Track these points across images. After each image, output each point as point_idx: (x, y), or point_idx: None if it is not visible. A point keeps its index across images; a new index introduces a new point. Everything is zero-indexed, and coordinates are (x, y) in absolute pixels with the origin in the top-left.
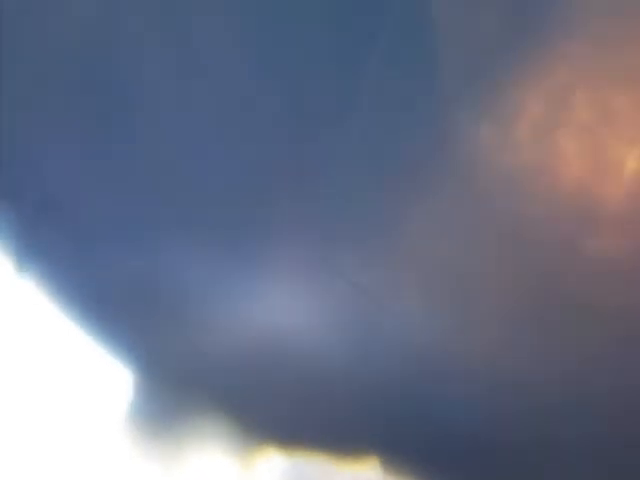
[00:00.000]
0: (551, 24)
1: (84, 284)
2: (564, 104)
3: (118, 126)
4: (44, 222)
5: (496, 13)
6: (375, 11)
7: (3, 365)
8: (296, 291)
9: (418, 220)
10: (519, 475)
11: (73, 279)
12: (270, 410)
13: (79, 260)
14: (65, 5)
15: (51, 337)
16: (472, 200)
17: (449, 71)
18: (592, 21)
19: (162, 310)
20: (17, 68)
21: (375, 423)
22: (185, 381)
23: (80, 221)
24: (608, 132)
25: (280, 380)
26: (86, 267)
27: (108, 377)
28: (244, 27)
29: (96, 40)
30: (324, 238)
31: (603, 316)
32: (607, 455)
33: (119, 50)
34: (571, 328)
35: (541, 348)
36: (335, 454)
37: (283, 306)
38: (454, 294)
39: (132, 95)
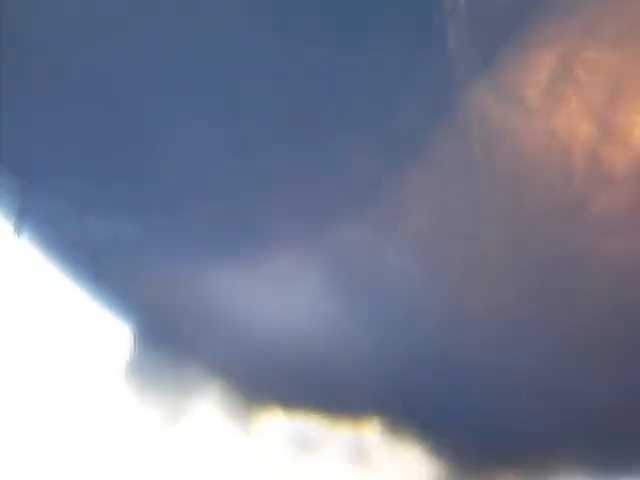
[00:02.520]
0: None
1: (82, 245)
2: (573, 68)
3: (114, 93)
4: (42, 182)
5: None
6: None
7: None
8: (296, 257)
9: (421, 186)
10: (522, 437)
11: (71, 240)
12: (270, 370)
13: (76, 217)
14: None
15: (49, 295)
16: (478, 165)
17: (454, 35)
18: None
19: (161, 264)
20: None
21: (376, 385)
22: (184, 338)
23: (78, 181)
24: (617, 96)
25: (280, 343)
26: (84, 229)
27: (106, 333)
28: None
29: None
30: (322, 208)
31: (611, 276)
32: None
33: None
34: (577, 289)
35: (544, 310)
36: (336, 416)
37: (282, 277)
38: (456, 259)
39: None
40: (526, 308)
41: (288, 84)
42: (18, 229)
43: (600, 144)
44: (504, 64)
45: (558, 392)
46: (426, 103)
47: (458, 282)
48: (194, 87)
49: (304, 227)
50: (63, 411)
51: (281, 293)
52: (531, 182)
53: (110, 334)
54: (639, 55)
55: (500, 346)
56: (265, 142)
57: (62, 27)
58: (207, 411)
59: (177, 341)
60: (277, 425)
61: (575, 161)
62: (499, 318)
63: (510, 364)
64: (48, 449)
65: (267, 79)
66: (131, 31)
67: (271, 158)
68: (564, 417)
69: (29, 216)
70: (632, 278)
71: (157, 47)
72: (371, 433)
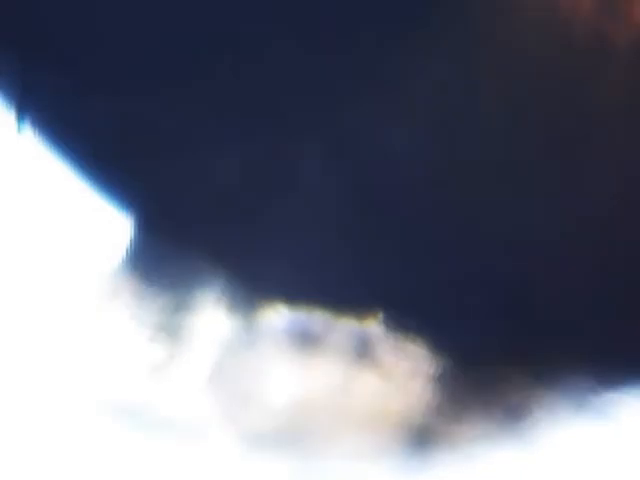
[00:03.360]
0: None
1: (84, 131)
2: None
3: None
4: (43, 67)
5: None
6: None
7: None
8: (297, 133)
9: (426, 64)
10: (525, 334)
11: (73, 126)
12: (272, 264)
13: (78, 105)
14: None
15: (51, 187)
16: (480, 39)
17: None
18: None
19: (162, 155)
20: None
21: (379, 279)
22: (187, 232)
23: (78, 66)
24: None
25: (281, 234)
26: (85, 113)
27: (108, 223)
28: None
29: None
30: (328, 86)
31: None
32: None
33: None
34: (575, 155)
35: (553, 173)
36: (339, 311)
37: (284, 160)
38: (454, 138)
39: None
40: (534, 166)
41: None
42: (20, 112)
43: (601, 18)
44: None
45: (561, 288)
46: None
47: (462, 164)
48: None
49: (308, 108)
50: (66, 301)
51: (285, 183)
52: (534, 57)
53: (112, 223)
54: None
55: (501, 238)
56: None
57: None
58: (210, 305)
59: (180, 232)
60: (280, 319)
61: (577, 35)
62: (503, 209)
63: (512, 258)
64: (56, 344)
65: None
66: None
67: (275, 44)
68: (564, 314)
69: (30, 97)
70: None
71: None
72: (375, 328)
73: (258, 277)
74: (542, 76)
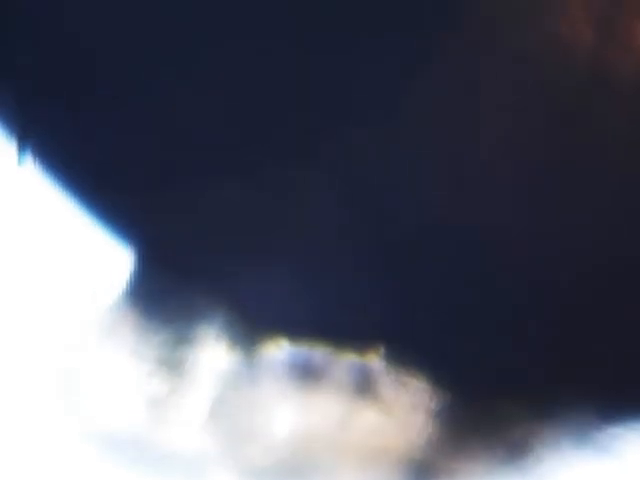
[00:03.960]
0: None
1: (85, 164)
2: None
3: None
4: (44, 100)
5: None
6: None
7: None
8: (298, 174)
9: (420, 85)
10: (524, 367)
11: (73, 158)
12: (273, 298)
13: (79, 137)
14: None
15: (52, 219)
16: (480, 64)
17: None
18: None
19: (162, 188)
20: None
21: (380, 314)
22: (188, 266)
23: (80, 95)
24: (618, 1)
25: (282, 267)
26: (86, 143)
27: (109, 259)
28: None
29: None
30: (324, 110)
31: (611, 179)
32: None
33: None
34: (575, 185)
35: (551, 207)
36: (339, 344)
37: (285, 191)
38: (455, 162)
39: None
40: (531, 199)
41: None
42: (20, 146)
43: (602, 47)
44: None
45: (562, 324)
46: (429, 7)
47: (464, 193)
48: None
49: (309, 142)
50: (65, 334)
51: (286, 214)
52: (533, 85)
53: (114, 256)
54: None
55: (504, 273)
56: (271, 48)
57: None
58: (210, 339)
59: (180, 266)
60: (281, 354)
61: (577, 64)
62: (507, 239)
63: (513, 294)
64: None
65: None
66: None
67: (273, 67)
68: (566, 347)
69: (31, 132)
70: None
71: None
72: (375, 363)
73: (259, 311)
74: (542, 104)
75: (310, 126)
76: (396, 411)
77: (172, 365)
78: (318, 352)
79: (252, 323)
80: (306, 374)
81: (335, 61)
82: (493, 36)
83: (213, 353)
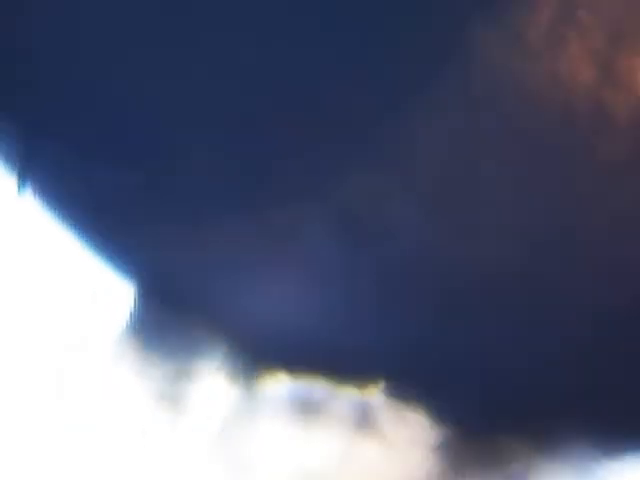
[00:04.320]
0: None
1: (86, 199)
2: (575, 8)
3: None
4: (45, 134)
5: None
6: None
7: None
8: (298, 218)
9: (422, 130)
10: (524, 403)
11: (74, 193)
12: (274, 333)
13: (81, 173)
14: None
15: (52, 253)
16: (480, 107)
17: None
18: None
19: (163, 223)
20: None
21: (380, 349)
22: (188, 300)
23: (82, 133)
24: (620, 38)
25: (284, 303)
26: (88, 181)
27: (109, 290)
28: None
29: None
30: (326, 155)
31: (616, 217)
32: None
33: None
34: (578, 232)
35: (552, 261)
36: (340, 380)
37: (285, 232)
38: (460, 205)
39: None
40: (534, 258)
41: (290, 24)
42: (21, 179)
43: (602, 87)
44: (505, 5)
45: (562, 358)
46: (428, 42)
47: (463, 232)
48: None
49: (308, 179)
50: (65, 368)
51: (286, 249)
52: (533, 126)
53: (113, 290)
54: None
55: (504, 307)
56: (267, 90)
57: None
58: (210, 372)
59: (181, 300)
60: (281, 388)
61: (577, 104)
62: (505, 273)
63: (513, 328)
64: (51, 406)
65: (268, 34)
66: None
67: (272, 107)
68: (568, 383)
69: (31, 165)
70: (631, 221)
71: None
72: (375, 397)
73: (259, 345)
74: (542, 146)
75: (313, 165)
76: (396, 446)
77: (172, 399)
78: (318, 387)
79: (252, 357)
80: (306, 408)
81: (338, 102)
82: (492, 75)
83: (213, 387)
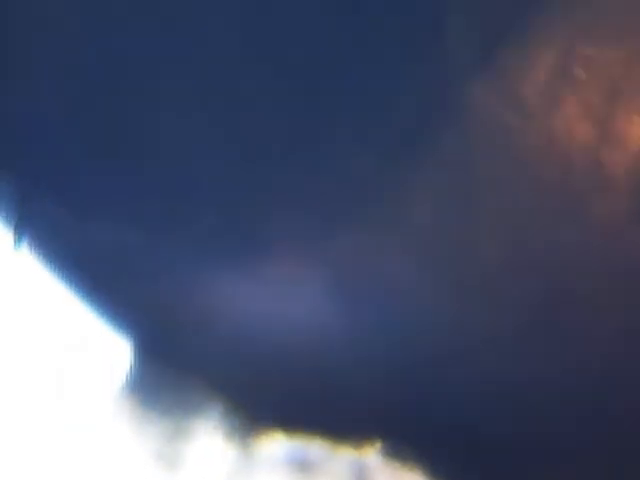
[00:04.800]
0: None
1: (83, 256)
2: (571, 67)
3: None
4: (43, 193)
5: None
6: None
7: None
8: (295, 275)
9: (420, 186)
10: (519, 464)
11: (72, 251)
12: (271, 393)
13: (78, 232)
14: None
15: (50, 310)
16: (477, 165)
17: (453, 33)
18: None
19: (163, 283)
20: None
21: (377, 408)
22: (185, 358)
23: (79, 193)
24: (616, 96)
25: (281, 362)
26: (85, 239)
27: (106, 347)
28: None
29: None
30: (320, 207)
31: (612, 280)
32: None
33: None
34: (576, 291)
35: (544, 317)
36: (336, 438)
37: (283, 289)
38: (455, 263)
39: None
40: (526, 316)
41: (286, 88)
42: (18, 237)
43: (599, 144)
44: (503, 62)
45: (559, 419)
46: (425, 101)
47: (459, 290)
48: (196, 98)
49: (305, 237)
50: (61, 425)
51: (284, 308)
52: (530, 183)
53: (110, 347)
54: (637, 54)
55: (502, 367)
56: (264, 149)
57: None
58: (208, 431)
59: (178, 357)
60: (278, 447)
61: (574, 162)
62: (502, 335)
63: (510, 387)
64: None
65: (265, 91)
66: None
67: (271, 166)
68: (564, 446)
69: (29, 223)
70: (631, 281)
71: (157, 51)
72: (372, 457)
73: (256, 405)
74: (539, 203)
75: (311, 222)
76: None
77: (169, 457)
78: (315, 446)
79: (249, 416)
80: (303, 468)
81: (337, 160)
82: (490, 133)
83: (210, 446)
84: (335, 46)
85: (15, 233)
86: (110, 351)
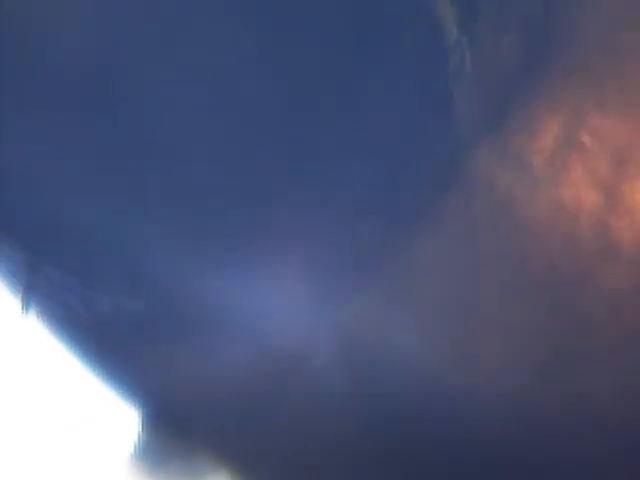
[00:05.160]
0: (566, 61)
1: (90, 324)
2: (578, 134)
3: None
4: (49, 261)
5: (512, 47)
6: (384, 38)
7: (6, 401)
8: (295, 327)
9: (425, 255)
10: None
11: (78, 318)
12: (275, 456)
13: (84, 299)
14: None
15: (55, 375)
16: (483, 234)
17: (460, 101)
18: (607, 59)
19: (167, 350)
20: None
21: (378, 465)
22: (190, 423)
23: (85, 261)
24: (623, 163)
25: (284, 427)
26: (90, 306)
27: (114, 418)
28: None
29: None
30: (323, 273)
31: (620, 346)
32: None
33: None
34: (583, 361)
35: (550, 384)
36: None
37: (284, 355)
38: (460, 331)
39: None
40: (530, 380)
41: (293, 152)
42: (25, 303)
43: (606, 213)
44: (510, 130)
45: (570, 472)
46: (431, 169)
47: (462, 357)
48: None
49: (310, 306)
50: None
51: (288, 378)
52: (537, 252)
53: (117, 415)
54: None
55: (503, 428)
56: (268, 223)
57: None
58: None
59: (185, 426)
60: None
61: (581, 230)
62: (503, 396)
63: (510, 452)
64: None
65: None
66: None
67: (275, 237)
68: None
69: (36, 290)
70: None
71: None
72: None
73: (261, 474)
74: (544, 271)
75: (315, 291)
76: None
77: None
78: None
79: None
80: None
81: (340, 225)
82: (495, 200)
83: None
84: (345, 116)
85: (22, 300)
86: (117, 419)
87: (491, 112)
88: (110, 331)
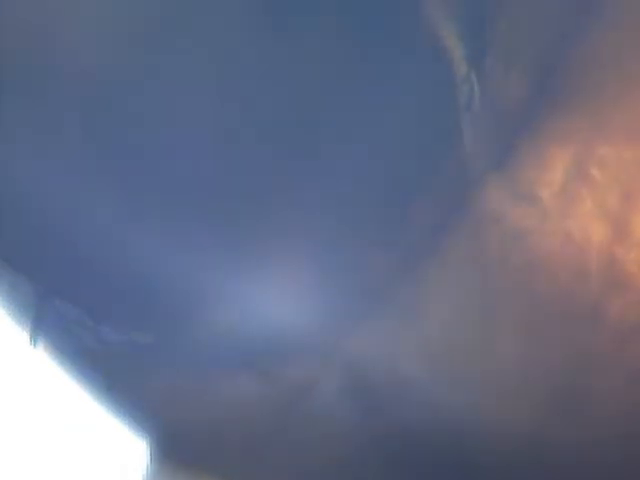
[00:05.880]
0: (574, 94)
1: (98, 356)
2: (587, 167)
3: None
4: (58, 294)
5: (520, 81)
6: (391, 73)
7: (14, 434)
8: (303, 374)
9: (435, 287)
10: None
11: (87, 351)
12: None
13: (93, 332)
14: None
15: (65, 409)
16: (492, 267)
17: (468, 134)
18: (616, 92)
19: (176, 382)
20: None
21: None
22: (198, 455)
23: (94, 293)
24: (632, 195)
25: (292, 457)
26: (99, 338)
27: (122, 449)
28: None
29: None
30: (324, 308)
31: (627, 381)
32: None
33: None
34: (593, 394)
35: (561, 417)
36: None
37: (290, 386)
38: (470, 364)
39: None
40: (542, 416)
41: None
42: (33, 337)
43: (615, 245)
44: (518, 162)
45: None
46: (441, 202)
47: (474, 391)
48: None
49: (319, 337)
50: None
51: (294, 408)
52: (546, 284)
53: (125, 446)
54: None
55: (516, 463)
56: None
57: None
58: None
59: (192, 456)
60: None
61: (590, 263)
62: (515, 430)
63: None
64: None
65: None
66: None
67: (283, 267)
68: None
69: (44, 323)
70: None
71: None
72: None
73: None
74: (554, 304)
75: (323, 322)
76: None
77: None
78: None
79: None
80: None
81: (347, 258)
82: (504, 234)
83: None
84: (350, 153)
85: (31, 332)
86: (125, 450)
87: (500, 146)
88: (119, 363)
